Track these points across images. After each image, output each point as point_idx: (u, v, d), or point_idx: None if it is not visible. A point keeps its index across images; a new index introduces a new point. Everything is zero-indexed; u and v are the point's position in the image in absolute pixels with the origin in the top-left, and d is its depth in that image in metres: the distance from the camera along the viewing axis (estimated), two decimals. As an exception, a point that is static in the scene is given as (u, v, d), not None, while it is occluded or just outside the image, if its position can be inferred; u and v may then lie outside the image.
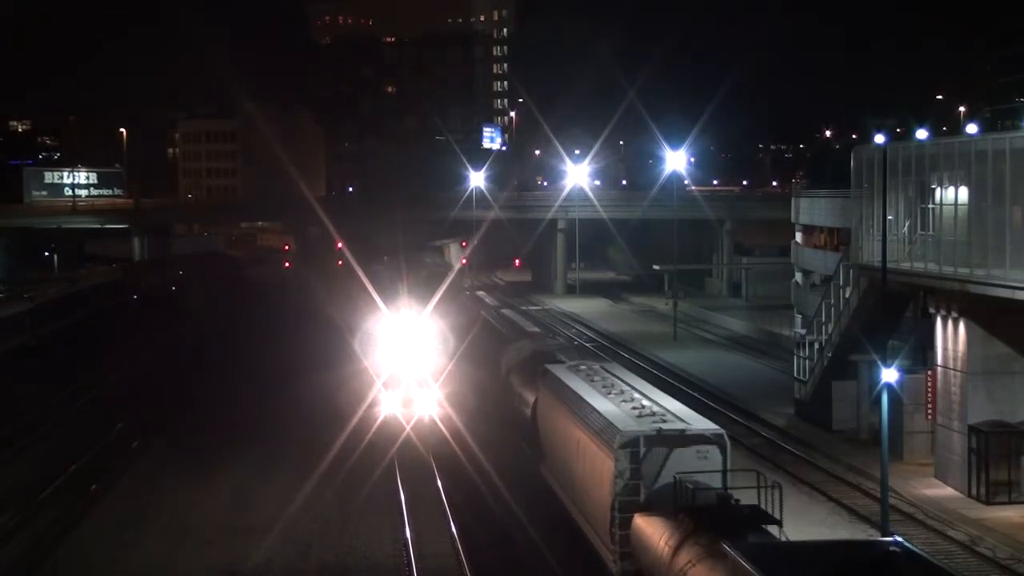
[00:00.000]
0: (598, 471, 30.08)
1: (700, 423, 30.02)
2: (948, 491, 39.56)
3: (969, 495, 38.67)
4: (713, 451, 28.66)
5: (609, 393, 33.80)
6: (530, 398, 40.40)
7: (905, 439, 43.31)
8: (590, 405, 32.48)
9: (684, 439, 28.83)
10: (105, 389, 63.08)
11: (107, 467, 44.79)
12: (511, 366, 45.53)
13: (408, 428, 46.63)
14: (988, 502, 37.94)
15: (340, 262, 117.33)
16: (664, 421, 29.82)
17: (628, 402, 32.38)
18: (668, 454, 28.58)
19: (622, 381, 35.92)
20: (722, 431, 29.45)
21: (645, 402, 32.25)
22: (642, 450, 28.56)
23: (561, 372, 37.98)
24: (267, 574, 32.98)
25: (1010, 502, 37.81)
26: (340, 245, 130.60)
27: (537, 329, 52.90)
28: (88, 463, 45.23)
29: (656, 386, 39.53)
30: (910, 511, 37.77)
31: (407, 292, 64.81)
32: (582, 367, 38.74)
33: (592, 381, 35.79)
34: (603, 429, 30.15)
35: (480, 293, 72.80)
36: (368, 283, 65.36)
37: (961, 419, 39.46)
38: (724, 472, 28.12)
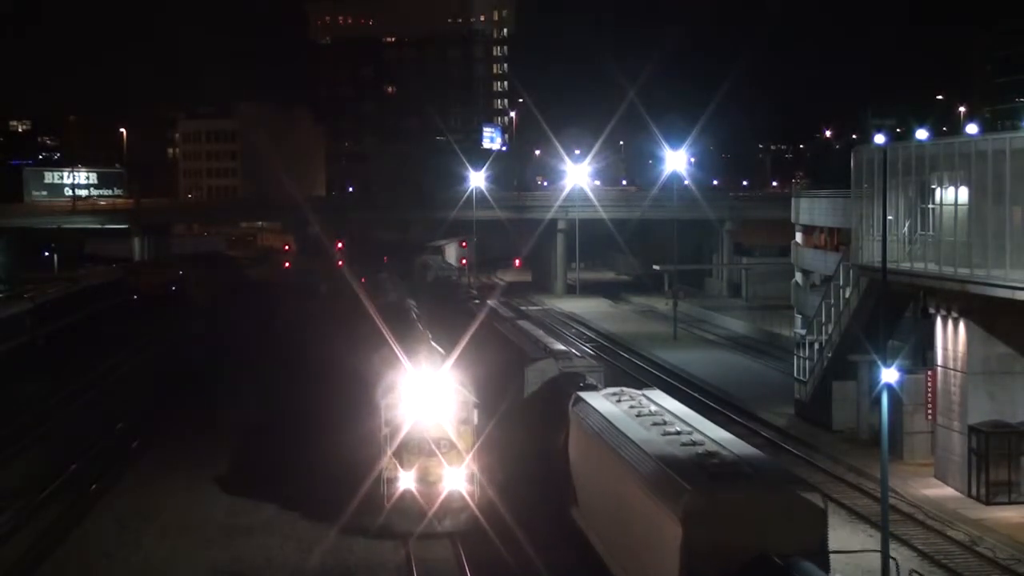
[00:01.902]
0: (658, 535, 24.65)
1: (785, 477, 25.13)
2: (948, 491, 39.56)
3: (969, 495, 38.67)
4: (810, 514, 23.31)
5: (663, 432, 28.79)
6: (558, 430, 35.21)
7: (905, 439, 43.30)
8: (643, 450, 27.18)
9: (771, 499, 23.55)
10: (105, 389, 63.09)
11: (107, 467, 44.78)
12: (533, 390, 40.12)
13: (431, 513, 35.08)
14: (988, 502, 37.94)
15: (340, 262, 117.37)
16: (741, 474, 24.61)
17: (688, 445, 27.14)
18: (752, 519, 23.07)
19: (673, 415, 31.00)
20: (814, 486, 25.12)
21: (709, 444, 27.13)
22: (718, 514, 23.07)
23: (598, 402, 33.01)
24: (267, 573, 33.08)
25: (1010, 502, 37.81)
26: (340, 245, 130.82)
27: (562, 346, 45.51)
28: (88, 463, 45.21)
29: (657, 386, 38.98)
30: (910, 511, 37.77)
31: (421, 320, 55.20)
32: (624, 397, 33.80)
33: (639, 415, 31.02)
34: (664, 483, 24.83)
35: (491, 302, 64.75)
36: (377, 315, 51.54)
37: (961, 419, 39.46)
38: (826, 550, 23.25)
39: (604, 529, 29.87)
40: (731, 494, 23.52)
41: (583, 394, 34.47)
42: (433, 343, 46.29)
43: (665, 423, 29.73)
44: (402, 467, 35.14)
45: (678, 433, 28.50)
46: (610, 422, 30.37)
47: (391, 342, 43.77)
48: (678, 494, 23.72)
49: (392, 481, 35.34)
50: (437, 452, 35.14)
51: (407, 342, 44.19)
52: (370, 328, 51.09)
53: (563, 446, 34.62)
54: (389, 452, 35.59)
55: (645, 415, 30.95)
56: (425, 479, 35.14)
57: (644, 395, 34.14)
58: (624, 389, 35.28)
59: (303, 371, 64.96)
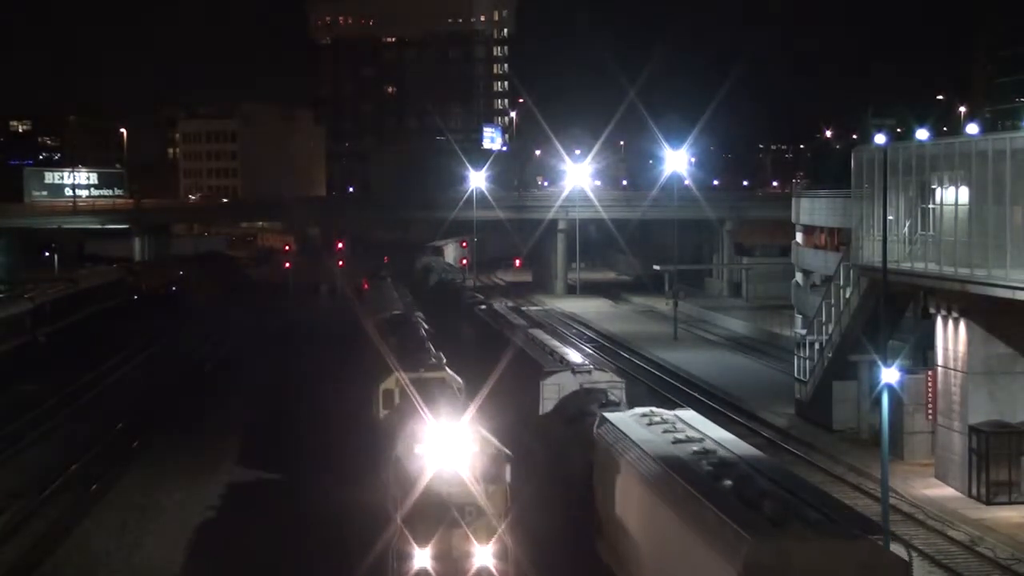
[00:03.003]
0: None
1: (859, 523, 21.91)
2: (948, 491, 39.56)
3: (969, 495, 38.67)
4: (891, 568, 20.49)
5: (707, 463, 25.46)
6: (580, 454, 31.69)
7: (906, 439, 43.31)
8: (686, 486, 23.90)
9: (845, 551, 20.27)
10: (105, 389, 63.08)
11: (107, 467, 44.76)
12: (550, 408, 36.83)
13: None
14: (988, 502, 37.95)
15: (341, 263, 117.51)
16: (807, 519, 21.24)
17: (739, 480, 23.96)
18: (824, 571, 20.00)
19: (714, 441, 27.68)
20: (894, 533, 22.28)
21: (761, 480, 24.01)
22: (784, 569, 20.04)
23: (627, 425, 29.60)
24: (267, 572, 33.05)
25: (1010, 502, 37.81)
26: (341, 245, 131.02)
27: (581, 359, 41.34)
28: (88, 463, 45.20)
29: (658, 386, 38.72)
30: (910, 511, 37.78)
31: (432, 337, 47.87)
32: (655, 419, 30.32)
33: (675, 441, 27.62)
34: (717, 529, 21.71)
35: (497, 306, 60.65)
36: (384, 342, 44.04)
37: (961, 419, 39.46)
38: None
39: (636, 567, 26.73)
40: (799, 544, 20.20)
41: (609, 415, 31.01)
42: (451, 372, 39.10)
43: (706, 452, 26.29)
44: (416, 541, 26.99)
45: (723, 464, 25.19)
46: (643, 450, 26.95)
47: (403, 381, 36.55)
48: (736, 543, 20.47)
49: (404, 558, 27.29)
50: (461, 521, 27.27)
51: (420, 373, 37.51)
52: (376, 355, 43.14)
53: (587, 472, 30.91)
54: (399, 520, 27.64)
55: (682, 441, 27.50)
56: (446, 556, 27.26)
57: (679, 417, 30.61)
58: (654, 410, 31.76)
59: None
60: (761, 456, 27.31)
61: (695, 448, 26.69)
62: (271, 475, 43.86)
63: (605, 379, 38.32)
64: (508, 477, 28.41)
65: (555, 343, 45.48)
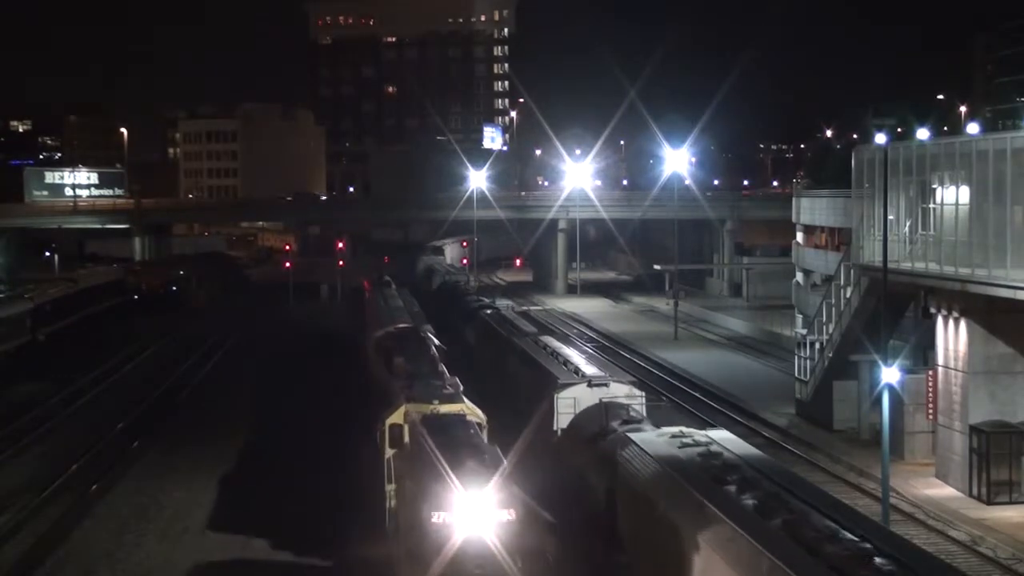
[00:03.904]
0: None
1: (930, 564, 19.33)
2: (949, 491, 39.54)
3: (970, 495, 38.64)
4: None
5: (753, 498, 22.61)
6: (600, 478, 28.53)
7: (906, 439, 43.28)
8: (733, 526, 21.19)
9: None
10: (105, 389, 63.03)
11: (107, 467, 44.73)
12: (566, 424, 33.95)
13: None
14: (989, 502, 37.92)
15: (341, 263, 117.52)
16: (869, 563, 18.70)
17: (787, 515, 21.29)
18: None
19: (755, 470, 24.91)
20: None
21: (817, 518, 21.18)
22: None
23: (656, 449, 26.62)
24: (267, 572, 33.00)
25: (1011, 502, 37.76)
26: (341, 245, 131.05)
27: (597, 370, 37.84)
28: (88, 463, 45.17)
29: (658, 386, 38.30)
30: (911, 511, 37.75)
31: (445, 355, 42.06)
32: (687, 440, 27.34)
33: (712, 468, 24.78)
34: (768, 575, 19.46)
35: (504, 310, 57.59)
36: (390, 374, 37.27)
37: (962, 419, 39.44)
38: None
39: None
40: None
41: (634, 435, 28.12)
42: (471, 404, 31.72)
43: (748, 482, 23.54)
44: None
45: (770, 497, 22.55)
46: (678, 480, 24.12)
47: (414, 419, 29.75)
48: None
49: None
50: None
51: (434, 405, 30.79)
52: (381, 381, 38.21)
53: (608, 497, 27.89)
54: None
55: (719, 467, 24.79)
56: None
57: (713, 440, 27.58)
58: (685, 430, 28.86)
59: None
60: (811, 487, 25.20)
61: (736, 477, 23.99)
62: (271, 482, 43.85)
63: (624, 392, 35.31)
64: (552, 548, 23.68)
65: (568, 351, 42.42)
